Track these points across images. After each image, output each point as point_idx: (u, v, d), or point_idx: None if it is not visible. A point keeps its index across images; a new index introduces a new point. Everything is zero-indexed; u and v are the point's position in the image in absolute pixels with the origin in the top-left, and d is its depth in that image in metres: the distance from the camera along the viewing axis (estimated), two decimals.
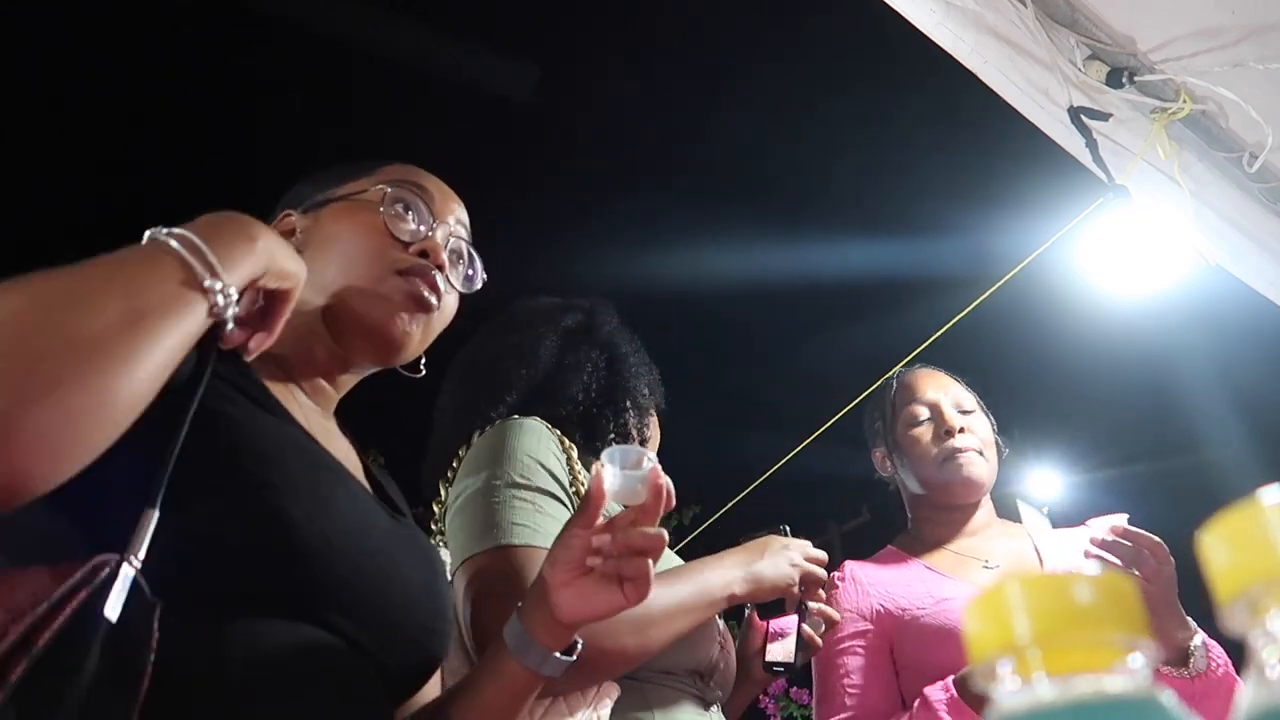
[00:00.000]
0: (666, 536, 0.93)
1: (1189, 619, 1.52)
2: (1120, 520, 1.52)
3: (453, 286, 1.08)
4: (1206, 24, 1.72)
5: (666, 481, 0.93)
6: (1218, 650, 1.53)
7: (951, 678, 1.53)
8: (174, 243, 0.74)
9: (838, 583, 1.81)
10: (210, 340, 0.85)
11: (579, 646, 0.98)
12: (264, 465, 0.80)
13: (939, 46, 1.84)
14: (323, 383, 1.05)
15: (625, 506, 0.95)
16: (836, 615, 1.49)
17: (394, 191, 1.06)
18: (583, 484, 1.37)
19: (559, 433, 1.42)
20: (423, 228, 1.06)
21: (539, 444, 1.35)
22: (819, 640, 1.47)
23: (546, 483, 1.31)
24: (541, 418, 1.43)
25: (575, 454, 1.41)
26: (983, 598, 0.33)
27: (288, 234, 1.06)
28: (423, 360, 1.11)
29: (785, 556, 1.40)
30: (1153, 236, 2.11)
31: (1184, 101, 1.83)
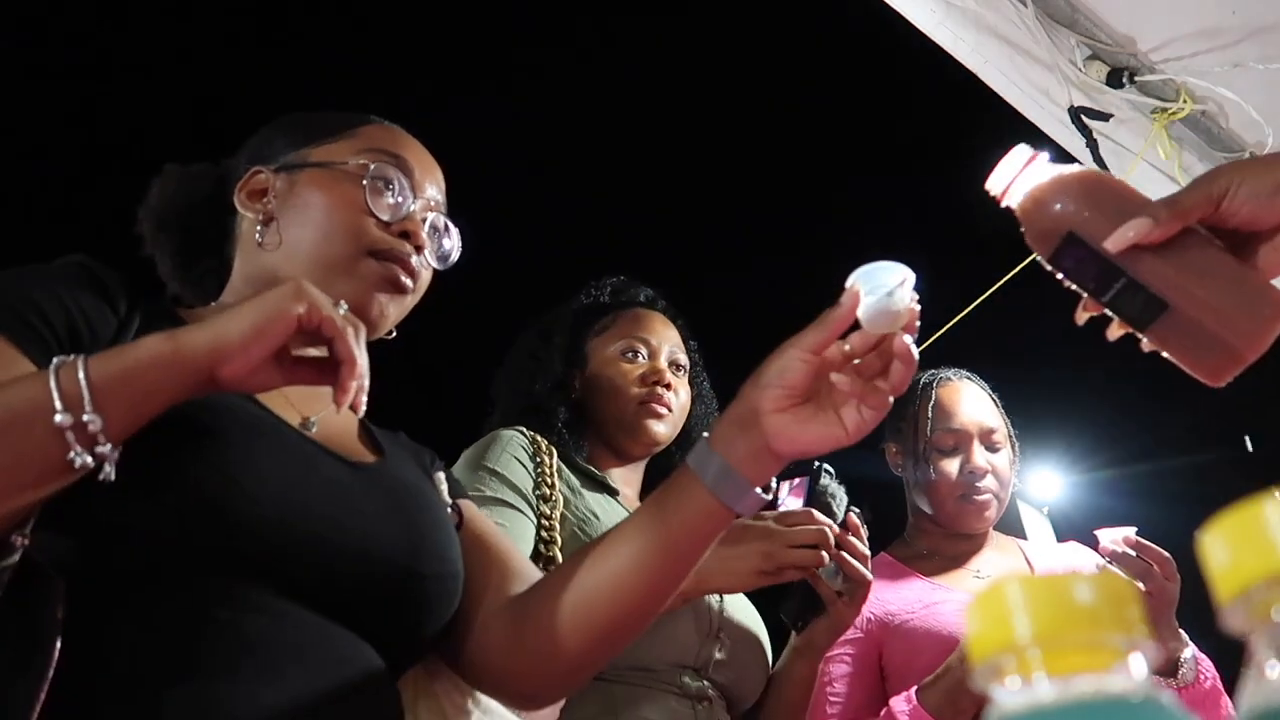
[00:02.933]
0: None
1: (1181, 631, 1.54)
2: (1129, 532, 1.52)
3: (429, 264, 1.05)
4: (1206, 24, 1.72)
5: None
6: (1207, 664, 1.55)
7: (915, 688, 1.53)
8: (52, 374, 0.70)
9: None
10: (132, 309, 0.86)
11: (774, 485, 0.87)
12: (165, 432, 0.76)
13: (939, 46, 1.84)
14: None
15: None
16: (865, 572, 1.30)
17: (377, 168, 1.01)
18: (550, 484, 1.40)
19: (533, 435, 1.46)
20: (404, 206, 1.02)
21: (500, 454, 1.40)
22: (834, 596, 1.31)
23: (498, 490, 1.35)
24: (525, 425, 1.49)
25: (553, 457, 1.44)
26: (983, 597, 0.33)
27: (259, 193, 1.03)
28: (392, 332, 1.07)
29: (754, 548, 1.21)
30: None
31: (1184, 101, 1.83)
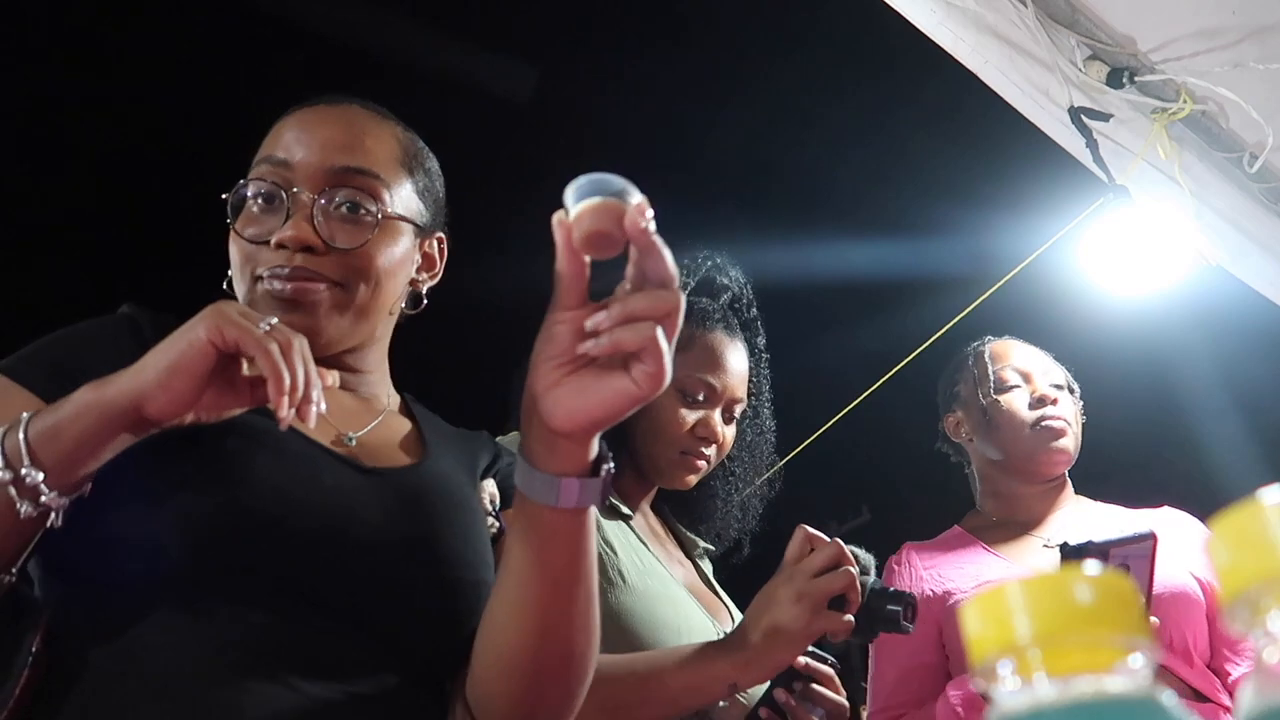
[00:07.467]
0: (683, 302, 0.70)
1: None
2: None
3: (337, 246, 0.91)
4: (1206, 24, 1.72)
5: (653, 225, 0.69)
6: None
7: (968, 674, 1.54)
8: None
9: (894, 567, 1.79)
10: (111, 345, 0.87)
11: (608, 465, 0.76)
12: (159, 449, 0.78)
13: (939, 46, 1.84)
14: None
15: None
16: (841, 701, 1.23)
17: (234, 195, 0.93)
18: None
19: None
20: (270, 212, 0.92)
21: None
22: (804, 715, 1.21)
23: None
24: None
25: None
26: (983, 597, 0.33)
27: None
28: (423, 301, 1.04)
29: (783, 594, 1.10)
30: (1153, 237, 2.11)
31: (1184, 101, 1.82)
